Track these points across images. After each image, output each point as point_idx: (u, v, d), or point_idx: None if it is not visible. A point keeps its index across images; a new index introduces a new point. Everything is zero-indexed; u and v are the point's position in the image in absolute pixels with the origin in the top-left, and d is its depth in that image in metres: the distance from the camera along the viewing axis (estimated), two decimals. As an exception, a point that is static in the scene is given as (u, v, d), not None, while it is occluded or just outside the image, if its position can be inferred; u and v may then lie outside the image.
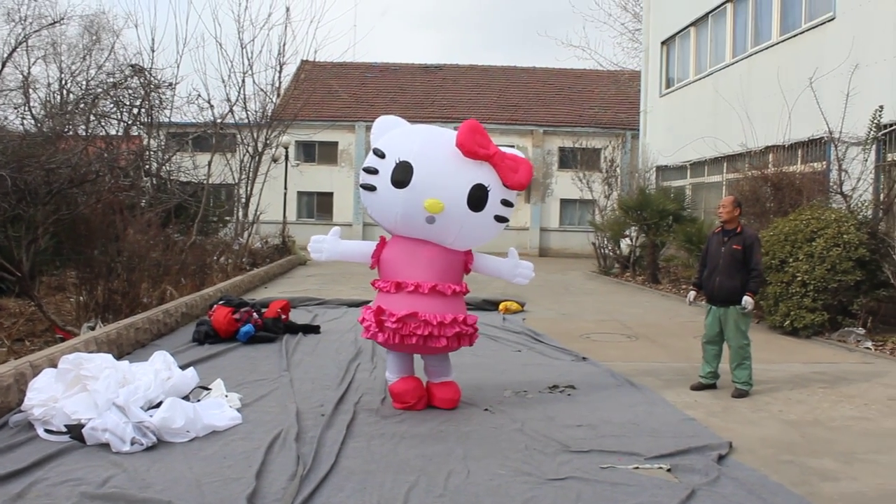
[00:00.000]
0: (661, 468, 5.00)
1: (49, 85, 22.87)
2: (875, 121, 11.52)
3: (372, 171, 6.20)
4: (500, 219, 6.30)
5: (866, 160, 11.81)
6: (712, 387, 7.45)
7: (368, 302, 12.90)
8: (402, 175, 6.03)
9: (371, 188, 6.24)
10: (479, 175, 6.12)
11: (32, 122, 17.61)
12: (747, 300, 7.19)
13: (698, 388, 7.42)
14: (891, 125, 11.68)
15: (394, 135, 6.35)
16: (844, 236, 10.55)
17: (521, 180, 6.21)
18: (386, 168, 6.12)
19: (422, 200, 5.98)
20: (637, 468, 4.99)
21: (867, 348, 9.83)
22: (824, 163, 13.36)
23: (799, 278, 10.59)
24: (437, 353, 6.33)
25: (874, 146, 11.83)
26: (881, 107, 11.51)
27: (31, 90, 21.17)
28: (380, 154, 6.19)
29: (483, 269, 6.72)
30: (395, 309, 6.02)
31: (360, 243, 6.83)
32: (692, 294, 7.81)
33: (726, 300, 7.30)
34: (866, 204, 11.64)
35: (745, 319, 7.34)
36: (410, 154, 6.09)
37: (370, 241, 6.68)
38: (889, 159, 11.86)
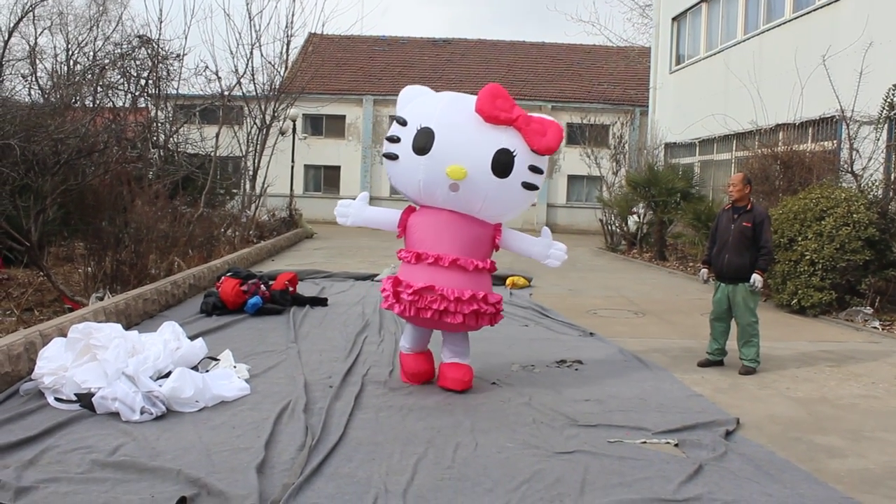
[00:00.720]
0: (668, 443, 5.02)
1: (56, 55, 22.79)
2: (888, 99, 11.41)
3: (394, 140, 6.05)
4: (529, 186, 5.98)
5: (878, 139, 11.72)
6: (719, 363, 7.44)
7: (375, 275, 13.04)
8: (423, 141, 5.84)
9: (393, 157, 6.06)
10: (503, 140, 5.85)
11: (39, 92, 17.59)
12: (756, 278, 7.14)
13: (705, 364, 7.43)
14: (904, 104, 11.57)
15: (417, 103, 6.17)
16: (854, 216, 10.49)
17: (549, 144, 5.90)
18: (407, 136, 5.95)
19: (443, 167, 5.76)
20: (645, 443, 5.01)
21: (874, 328, 9.81)
22: (835, 141, 13.27)
23: (807, 257, 10.56)
24: (454, 330, 6.09)
25: (886, 125, 11.73)
26: (894, 85, 11.39)
27: (38, 60, 21.09)
28: (402, 122, 6.03)
29: (512, 247, 6.39)
30: (413, 280, 5.84)
31: (387, 211, 6.53)
32: (705, 272, 7.70)
33: (735, 277, 7.25)
34: (877, 183, 11.57)
35: (754, 297, 7.30)
36: (431, 120, 5.90)
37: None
38: (901, 138, 11.77)
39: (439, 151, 5.80)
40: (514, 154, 5.85)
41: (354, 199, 6.45)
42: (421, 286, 5.79)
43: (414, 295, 5.80)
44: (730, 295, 7.32)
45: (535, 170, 5.95)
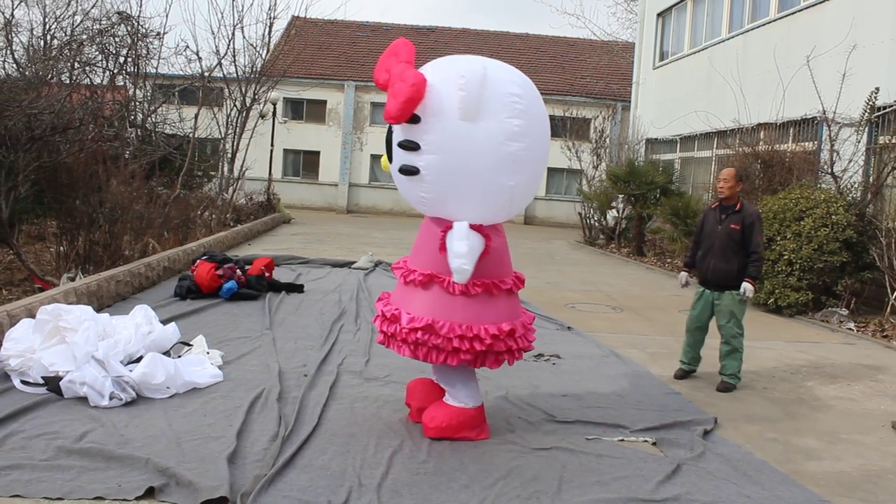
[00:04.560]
0: (646, 441, 4.98)
1: (32, 29, 22.30)
2: (870, 102, 11.45)
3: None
4: (403, 171, 4.53)
5: (858, 142, 11.76)
6: (693, 373, 6.92)
7: (353, 263, 12.92)
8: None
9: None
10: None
11: (14, 66, 17.21)
12: (747, 287, 6.45)
13: (681, 376, 6.85)
14: (886, 107, 11.62)
15: None
16: (833, 217, 10.54)
17: (387, 111, 4.35)
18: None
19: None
20: (622, 440, 4.97)
21: (850, 329, 9.86)
22: (816, 142, 13.31)
23: (786, 257, 10.59)
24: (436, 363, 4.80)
25: (867, 128, 11.77)
26: (877, 88, 11.43)
27: (13, 34, 20.64)
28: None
29: None
30: (382, 305, 4.90)
31: None
32: (684, 276, 7.07)
33: (721, 285, 6.60)
34: (856, 186, 11.62)
35: (741, 307, 6.61)
36: None
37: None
38: (881, 142, 11.82)
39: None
40: (392, 131, 4.60)
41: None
42: (381, 309, 4.87)
43: (376, 320, 4.93)
44: (715, 303, 6.68)
45: (404, 146, 4.48)
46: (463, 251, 4.32)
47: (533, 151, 4.56)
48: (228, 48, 19.52)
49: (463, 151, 4.40)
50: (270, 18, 20.84)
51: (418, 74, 4.34)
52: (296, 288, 10.10)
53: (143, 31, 17.80)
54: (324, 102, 30.79)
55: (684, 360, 6.96)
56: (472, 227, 4.51)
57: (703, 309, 6.80)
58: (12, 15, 21.88)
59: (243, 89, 19.78)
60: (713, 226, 6.75)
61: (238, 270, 9.51)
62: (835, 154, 11.90)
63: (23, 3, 23.14)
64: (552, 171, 30.17)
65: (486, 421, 4.96)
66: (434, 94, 4.36)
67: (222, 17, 23.32)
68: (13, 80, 12.38)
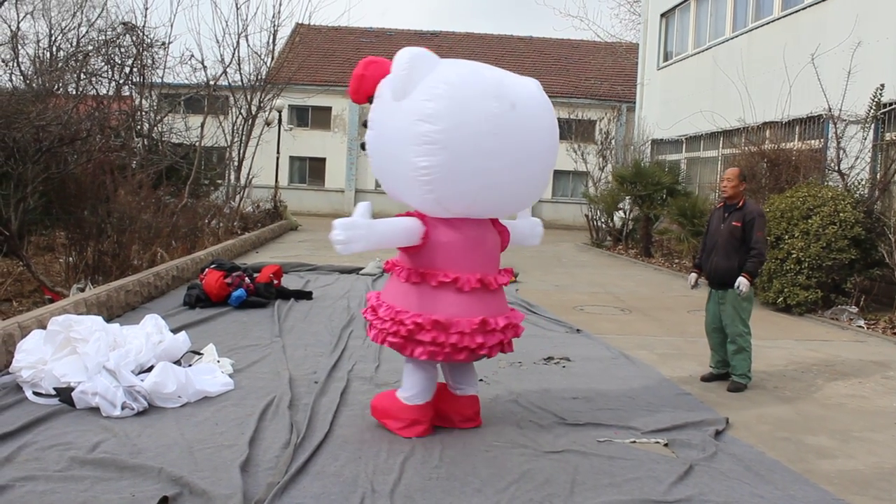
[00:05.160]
0: (658, 443, 4.97)
1: (38, 41, 22.43)
2: (876, 99, 11.42)
3: None
4: (362, 146, 5.13)
5: (865, 139, 11.73)
6: (724, 377, 6.75)
7: (361, 269, 12.96)
8: None
9: None
10: None
11: (21, 78, 17.31)
12: (742, 281, 6.41)
13: (709, 378, 6.77)
14: (891, 104, 11.59)
15: None
16: (840, 214, 10.51)
17: (349, 88, 5.07)
18: None
19: None
20: (634, 442, 4.96)
21: (860, 327, 9.83)
22: (822, 140, 13.28)
23: (794, 255, 10.56)
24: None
25: (873, 125, 11.75)
26: (882, 85, 11.40)
27: (19, 46, 20.77)
28: None
29: None
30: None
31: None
32: (693, 276, 7.04)
33: (723, 283, 6.59)
34: (863, 183, 11.59)
35: (745, 305, 6.58)
36: None
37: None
38: (887, 138, 11.78)
39: None
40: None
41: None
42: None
43: None
44: (719, 302, 6.69)
45: (363, 124, 5.16)
46: (339, 222, 4.46)
47: (450, 137, 4.53)
48: (233, 57, 19.65)
49: (388, 128, 4.79)
50: (274, 26, 21.02)
51: (372, 57, 5.00)
52: (304, 295, 10.13)
53: (149, 41, 17.92)
54: (329, 109, 30.87)
55: (711, 363, 6.92)
56: (413, 214, 4.85)
57: (714, 310, 6.81)
58: (18, 27, 22.01)
59: (248, 97, 19.88)
60: (717, 224, 6.80)
61: (247, 278, 9.53)
62: (841, 151, 11.88)
63: (29, 16, 23.29)
64: (558, 174, 30.13)
65: (420, 423, 4.92)
66: (386, 78, 4.84)
67: (227, 25, 23.42)
68: (21, 93, 12.47)
